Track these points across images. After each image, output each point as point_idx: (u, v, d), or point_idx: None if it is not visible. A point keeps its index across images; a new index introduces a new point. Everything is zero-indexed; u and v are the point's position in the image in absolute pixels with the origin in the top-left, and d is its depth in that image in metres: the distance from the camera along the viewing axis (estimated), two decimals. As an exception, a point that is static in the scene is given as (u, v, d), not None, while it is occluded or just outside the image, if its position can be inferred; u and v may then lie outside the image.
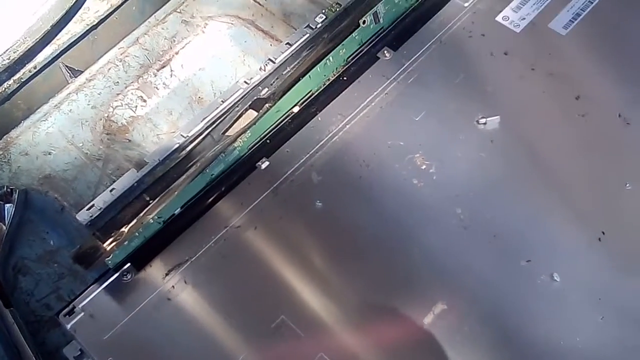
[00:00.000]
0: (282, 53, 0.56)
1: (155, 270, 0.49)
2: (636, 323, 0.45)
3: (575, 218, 0.48)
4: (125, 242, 0.49)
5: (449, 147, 0.52)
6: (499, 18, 0.57)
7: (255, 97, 0.55)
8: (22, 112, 0.60)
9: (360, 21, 0.56)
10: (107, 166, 0.56)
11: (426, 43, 0.57)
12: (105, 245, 0.50)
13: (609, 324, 0.45)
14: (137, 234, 0.49)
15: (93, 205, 0.51)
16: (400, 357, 0.46)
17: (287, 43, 0.56)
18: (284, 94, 0.55)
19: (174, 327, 0.47)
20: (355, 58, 0.58)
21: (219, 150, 0.53)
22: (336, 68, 0.57)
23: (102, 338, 0.47)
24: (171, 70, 0.60)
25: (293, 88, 0.55)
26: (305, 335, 0.46)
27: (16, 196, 0.54)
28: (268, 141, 0.55)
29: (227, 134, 0.54)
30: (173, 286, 0.48)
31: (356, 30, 0.56)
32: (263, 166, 0.53)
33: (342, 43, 0.56)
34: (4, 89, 0.58)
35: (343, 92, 0.56)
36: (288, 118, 0.56)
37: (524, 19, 0.56)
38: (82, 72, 0.61)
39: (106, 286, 0.48)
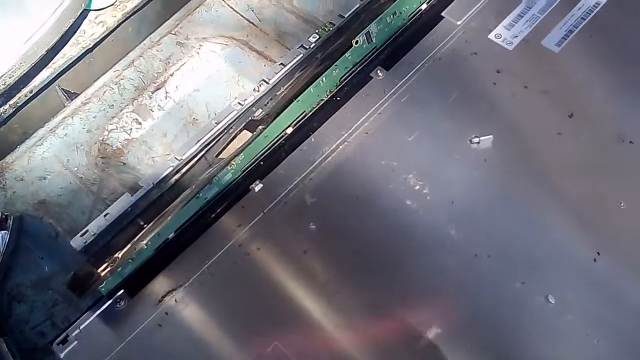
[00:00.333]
0: (276, 74, 0.56)
1: (148, 297, 0.49)
2: (632, 345, 0.44)
3: (570, 238, 0.48)
4: (119, 269, 0.49)
5: (443, 167, 0.52)
6: (491, 36, 0.57)
7: (249, 119, 0.55)
8: (19, 136, 0.60)
9: (353, 41, 0.56)
10: (101, 190, 0.56)
11: (419, 62, 0.57)
12: (99, 271, 0.50)
13: (604, 347, 0.44)
14: (130, 260, 0.49)
15: (87, 231, 0.51)
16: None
17: (281, 63, 0.56)
18: (277, 116, 0.55)
19: (167, 354, 0.47)
20: (349, 78, 0.58)
21: (213, 173, 0.53)
22: (329, 89, 0.57)
23: (96, 366, 0.47)
24: (166, 92, 0.60)
25: (286, 109, 0.55)
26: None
27: (11, 223, 0.54)
28: (261, 163, 0.55)
29: (221, 156, 0.55)
30: (166, 312, 0.48)
31: (349, 51, 0.56)
32: (257, 189, 0.53)
33: (335, 63, 0.56)
34: (0, 113, 0.59)
35: (336, 113, 0.56)
36: (282, 139, 0.56)
37: (517, 36, 0.56)
38: (78, 94, 0.61)
39: (99, 313, 0.48)
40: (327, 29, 0.58)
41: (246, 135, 0.55)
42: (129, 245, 0.51)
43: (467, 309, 0.47)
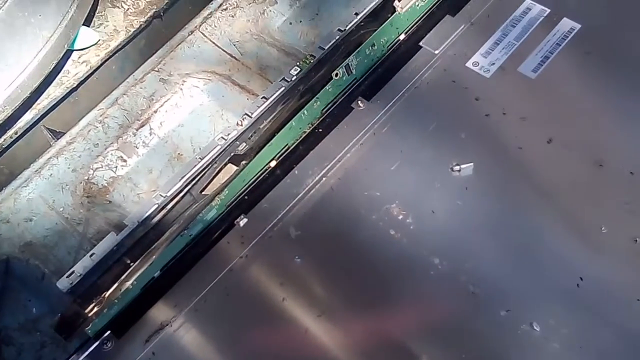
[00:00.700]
0: (259, 107, 0.56)
1: (135, 337, 0.49)
2: (617, 369, 0.45)
3: (553, 264, 0.48)
4: (105, 310, 0.49)
5: (425, 196, 0.53)
6: (469, 64, 0.57)
7: (232, 153, 0.55)
8: (5, 177, 0.60)
9: (333, 74, 0.56)
10: (87, 230, 0.56)
11: (399, 92, 0.57)
12: (86, 312, 0.50)
13: (589, 372, 0.45)
14: (116, 300, 0.50)
15: (73, 272, 0.51)
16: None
17: (263, 97, 0.57)
18: (260, 150, 0.55)
19: (155, 394, 0.47)
20: (330, 109, 0.58)
21: (198, 209, 0.53)
22: (311, 121, 0.58)
23: (84, 409, 0.47)
24: (150, 129, 0.61)
25: (269, 143, 0.55)
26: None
27: (-3, 266, 0.54)
28: (246, 197, 0.55)
29: (205, 191, 0.55)
30: (153, 352, 0.48)
31: (329, 83, 0.57)
32: (241, 223, 0.54)
33: (316, 96, 0.57)
34: (-14, 156, 0.59)
35: (319, 145, 0.57)
36: (265, 173, 0.56)
37: (494, 64, 0.57)
38: (64, 133, 0.62)
39: (87, 356, 0.49)
40: (307, 62, 0.58)
41: (230, 169, 0.56)
42: (115, 285, 0.51)
43: (453, 338, 0.47)
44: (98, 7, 0.66)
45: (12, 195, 0.59)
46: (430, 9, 0.61)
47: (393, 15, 0.58)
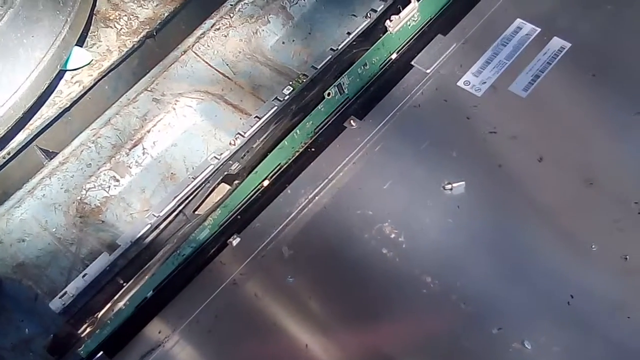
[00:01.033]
0: (251, 127, 0.56)
1: (128, 357, 0.49)
2: (609, 388, 0.45)
3: (544, 282, 0.48)
4: (97, 331, 0.49)
5: (417, 215, 0.53)
6: (460, 83, 0.58)
7: (225, 173, 0.55)
8: (-1, 197, 0.61)
9: (325, 93, 0.57)
10: (80, 250, 0.56)
11: (391, 111, 0.58)
12: (79, 332, 0.50)
13: (582, 390, 0.45)
14: (109, 321, 0.50)
15: (66, 293, 0.51)
16: None
17: (256, 116, 0.57)
18: (253, 169, 0.55)
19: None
20: (323, 128, 0.59)
21: (190, 229, 0.53)
22: (304, 140, 0.58)
23: None
24: (143, 149, 0.61)
25: (262, 162, 0.55)
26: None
27: (-10, 287, 0.54)
28: (239, 217, 0.56)
29: (198, 211, 0.55)
30: (146, 373, 0.49)
31: (322, 103, 0.57)
32: (234, 243, 0.54)
33: (309, 116, 0.57)
34: (-21, 177, 0.59)
35: (311, 164, 0.57)
36: (258, 192, 0.56)
37: (485, 82, 0.57)
38: (57, 153, 0.62)
39: (79, 376, 0.49)
40: (300, 81, 0.59)
41: (223, 189, 0.56)
42: (108, 306, 0.51)
43: (445, 356, 0.47)
44: (91, 28, 0.66)
45: (5, 216, 0.59)
46: (422, 28, 0.61)
47: (385, 35, 0.59)
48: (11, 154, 0.60)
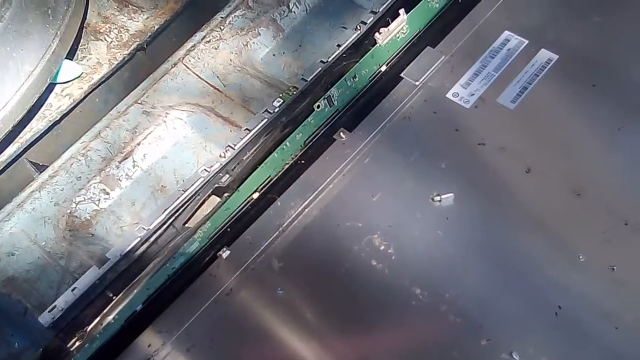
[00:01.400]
0: (242, 139, 0.57)
1: (116, 372, 0.49)
2: (598, 399, 0.45)
3: (532, 293, 0.48)
4: (86, 345, 0.49)
5: (407, 227, 0.53)
6: (449, 95, 0.58)
7: (215, 185, 0.55)
8: (-12, 211, 0.61)
9: (315, 106, 0.57)
10: (69, 264, 0.56)
11: (380, 123, 0.58)
12: (68, 346, 0.50)
13: (570, 402, 0.45)
14: (98, 335, 0.50)
15: (55, 307, 0.51)
16: None
17: (246, 129, 0.57)
18: (243, 181, 0.56)
19: None
20: (313, 140, 0.59)
21: (180, 242, 0.53)
22: (294, 152, 0.58)
23: None
24: (133, 161, 0.61)
25: (252, 175, 0.56)
26: None
27: (-22, 301, 0.54)
28: (228, 229, 0.56)
29: (188, 224, 0.55)
30: (135, 386, 0.48)
31: (311, 115, 0.57)
32: (224, 255, 0.54)
33: (298, 128, 0.57)
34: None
35: (301, 176, 0.57)
36: (248, 205, 0.56)
37: (473, 94, 0.57)
38: (47, 167, 0.62)
39: (68, 391, 0.49)
40: (290, 93, 0.59)
41: (213, 201, 0.56)
42: (97, 319, 0.51)
43: (435, 369, 0.47)
44: (81, 40, 0.66)
45: (-5, 230, 0.59)
46: (411, 40, 0.62)
47: (374, 48, 0.59)
48: (1, 168, 0.60)
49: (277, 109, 0.58)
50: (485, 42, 0.60)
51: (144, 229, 0.53)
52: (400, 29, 0.60)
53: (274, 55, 0.67)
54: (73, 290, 0.52)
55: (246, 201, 0.56)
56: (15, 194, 0.60)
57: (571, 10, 0.61)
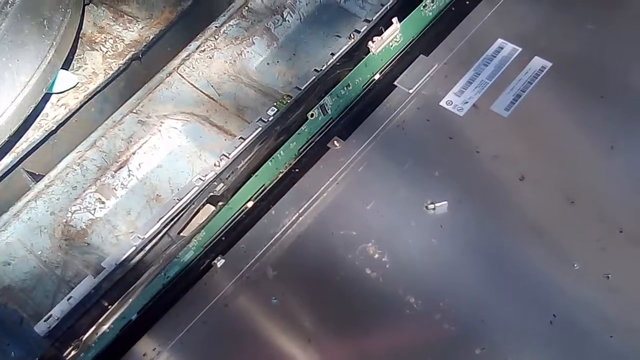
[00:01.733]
0: (236, 148, 0.57)
1: (111, 381, 0.49)
2: (591, 407, 0.45)
3: (526, 301, 0.49)
4: (82, 354, 0.49)
5: (401, 235, 0.53)
6: (442, 103, 0.58)
7: (210, 194, 0.56)
8: (-16, 221, 0.61)
9: (308, 114, 0.57)
10: (65, 273, 0.56)
11: (374, 131, 0.58)
12: (64, 355, 0.50)
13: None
14: (93, 344, 0.50)
15: (51, 316, 0.51)
16: None
17: (241, 137, 0.57)
18: (237, 190, 0.56)
19: None
20: (307, 149, 0.59)
21: (175, 251, 0.53)
22: (288, 161, 0.58)
23: None
24: (129, 171, 0.61)
25: (246, 184, 0.56)
26: None
27: (-25, 311, 0.54)
28: (223, 238, 0.56)
29: (182, 233, 0.55)
30: (129, 396, 0.49)
31: (305, 123, 0.57)
32: (219, 264, 0.54)
33: (292, 137, 0.57)
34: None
35: (295, 185, 0.57)
36: (242, 213, 0.57)
37: (467, 102, 0.58)
38: (43, 176, 0.62)
39: (62, 401, 0.49)
40: (284, 102, 0.59)
41: (208, 210, 0.56)
42: (92, 329, 0.51)
43: (429, 377, 0.47)
44: (77, 51, 0.67)
45: (-9, 240, 0.59)
46: (404, 49, 0.62)
47: (367, 56, 0.59)
48: (-3, 177, 0.60)
49: (271, 117, 0.58)
50: (478, 50, 0.61)
51: (139, 237, 0.53)
52: (393, 37, 0.60)
53: (268, 64, 0.67)
54: (69, 299, 0.52)
55: (240, 210, 0.57)
56: (11, 204, 0.61)
57: (564, 17, 0.61)
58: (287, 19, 0.68)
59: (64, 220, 0.59)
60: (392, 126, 0.58)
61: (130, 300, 0.51)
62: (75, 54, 0.67)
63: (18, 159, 0.61)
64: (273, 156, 0.57)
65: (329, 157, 0.58)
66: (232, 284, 0.53)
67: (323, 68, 0.59)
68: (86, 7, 0.70)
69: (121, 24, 0.69)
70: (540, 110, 0.56)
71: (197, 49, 0.67)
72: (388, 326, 0.50)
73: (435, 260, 0.52)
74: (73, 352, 0.50)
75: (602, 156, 0.54)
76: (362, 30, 0.61)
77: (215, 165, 0.56)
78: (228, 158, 0.57)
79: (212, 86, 0.65)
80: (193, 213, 0.56)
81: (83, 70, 0.66)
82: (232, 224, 0.56)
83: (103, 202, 0.60)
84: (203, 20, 0.69)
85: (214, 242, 0.55)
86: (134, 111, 0.64)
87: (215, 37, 0.67)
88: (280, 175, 0.58)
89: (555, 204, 0.52)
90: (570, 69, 0.58)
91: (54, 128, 0.63)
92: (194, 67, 0.66)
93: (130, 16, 0.69)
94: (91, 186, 0.61)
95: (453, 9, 0.64)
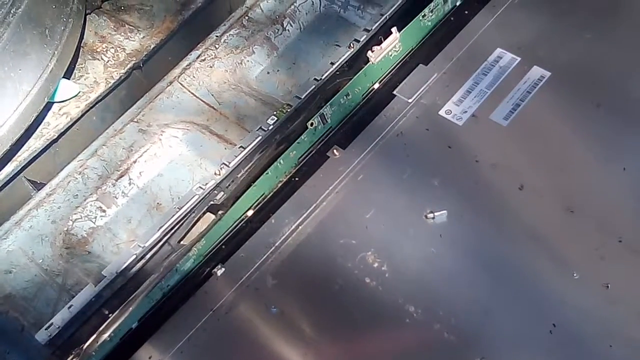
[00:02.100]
0: (236, 157, 0.57)
1: (112, 390, 0.50)
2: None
3: (526, 311, 0.49)
4: (82, 363, 0.49)
5: (400, 244, 0.53)
6: (441, 112, 0.58)
7: (210, 203, 0.56)
8: (-14, 230, 0.61)
9: (308, 123, 0.57)
10: (66, 281, 0.57)
11: (373, 140, 0.58)
12: (64, 364, 0.51)
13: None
14: (94, 352, 0.50)
15: (52, 324, 0.52)
16: None
17: (241, 146, 0.58)
18: (237, 199, 0.56)
19: None
20: (306, 158, 0.59)
21: (175, 260, 0.54)
22: (287, 170, 0.58)
23: None
24: (129, 179, 0.62)
25: (246, 193, 0.56)
26: None
27: (-25, 319, 0.55)
28: (223, 247, 0.56)
29: (183, 241, 0.55)
30: (130, 405, 0.49)
31: (305, 133, 0.58)
32: (219, 273, 0.54)
33: (292, 146, 0.57)
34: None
35: (295, 194, 0.57)
36: (242, 222, 0.57)
37: (466, 111, 0.58)
38: (44, 185, 0.63)
39: (62, 410, 0.49)
40: (284, 111, 0.59)
41: (208, 218, 0.56)
42: (93, 337, 0.51)
43: (428, 386, 0.48)
44: (78, 60, 0.67)
45: (-8, 248, 0.59)
46: (403, 58, 0.62)
47: (367, 65, 0.59)
48: (-1, 186, 0.61)
49: (271, 126, 0.58)
50: (477, 60, 0.61)
51: (140, 246, 0.54)
52: (392, 46, 0.61)
53: (268, 73, 0.67)
54: (69, 307, 0.52)
55: (240, 219, 0.57)
56: (13, 212, 0.61)
57: (563, 27, 0.61)
58: (287, 28, 0.69)
59: (65, 229, 0.60)
60: (391, 135, 0.59)
61: (131, 308, 0.52)
62: (77, 63, 0.67)
63: (20, 168, 0.62)
64: (273, 165, 0.57)
65: (329, 166, 0.58)
66: (232, 293, 0.53)
67: (323, 77, 0.60)
68: (88, 16, 0.71)
69: (122, 34, 0.69)
70: (539, 120, 0.57)
71: (197, 58, 0.67)
72: (387, 335, 0.50)
73: (434, 269, 0.52)
74: (74, 361, 0.51)
75: (601, 165, 0.54)
76: (361, 40, 0.61)
77: (215, 174, 0.56)
78: (228, 167, 0.57)
79: (212, 95, 0.66)
80: (193, 222, 0.56)
81: (84, 79, 0.66)
82: (232, 232, 0.56)
83: (104, 211, 0.61)
84: (203, 30, 0.70)
85: (214, 250, 0.55)
86: (135, 120, 0.65)
87: (215, 47, 0.68)
88: (280, 184, 0.58)
89: (555, 213, 0.52)
90: (569, 78, 0.58)
91: (55, 137, 0.63)
92: (194, 76, 0.66)
93: (131, 26, 0.70)
94: (92, 195, 0.61)
95: (452, 18, 0.64)
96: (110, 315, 0.52)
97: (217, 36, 0.68)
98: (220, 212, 0.55)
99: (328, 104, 0.58)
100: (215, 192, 0.56)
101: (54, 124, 0.63)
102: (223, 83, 0.66)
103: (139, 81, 0.68)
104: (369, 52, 0.59)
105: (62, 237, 0.59)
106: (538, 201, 0.53)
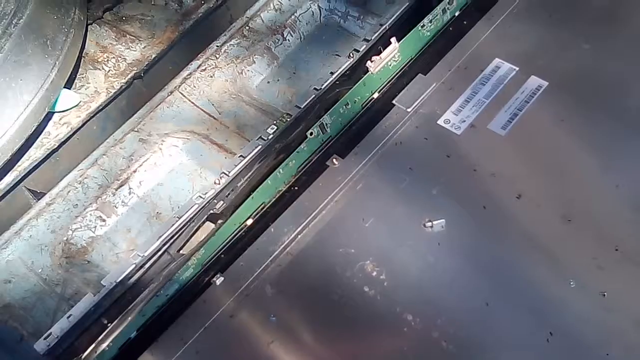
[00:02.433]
0: (236, 166, 0.57)
1: (110, 399, 0.50)
2: None
3: (523, 319, 0.49)
4: (81, 373, 0.50)
5: (399, 252, 0.53)
6: (440, 121, 0.59)
7: (210, 212, 0.56)
8: (-14, 239, 0.61)
9: (308, 133, 0.58)
10: (65, 291, 0.57)
11: (372, 149, 0.59)
12: (63, 373, 0.51)
13: None
14: (92, 362, 0.50)
15: (50, 334, 0.51)
16: None
17: (241, 155, 0.58)
18: (237, 208, 0.56)
19: None
20: (306, 167, 0.59)
21: (174, 269, 0.54)
22: (287, 179, 0.59)
23: None
24: (129, 189, 0.62)
25: (245, 202, 0.56)
26: None
27: (-25, 329, 0.55)
28: (222, 256, 0.56)
29: (182, 251, 0.56)
30: (128, 414, 0.49)
31: (304, 142, 0.58)
32: (218, 282, 0.54)
33: (292, 155, 0.58)
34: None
35: (294, 203, 0.57)
36: (242, 231, 0.57)
37: (464, 121, 0.58)
38: (45, 194, 0.63)
39: (62, 418, 0.49)
40: (284, 120, 0.60)
41: (208, 227, 0.56)
42: (92, 346, 0.51)
43: (426, 395, 0.48)
44: (79, 70, 0.68)
45: (-8, 257, 0.60)
46: (403, 68, 0.63)
47: (366, 75, 0.60)
48: (-1, 195, 0.61)
49: (271, 136, 0.58)
50: (475, 70, 0.61)
51: (139, 255, 0.54)
52: (392, 56, 0.61)
53: (268, 82, 0.68)
54: (68, 317, 0.52)
55: (240, 228, 0.57)
56: (13, 222, 0.61)
57: (560, 37, 0.62)
58: (287, 38, 0.69)
59: (65, 238, 0.60)
60: (390, 144, 0.59)
61: (130, 318, 0.52)
62: (78, 73, 0.67)
63: (20, 177, 0.62)
64: (272, 174, 0.57)
65: (328, 175, 0.58)
66: (231, 302, 0.53)
67: (322, 87, 0.60)
68: (89, 26, 0.71)
69: (123, 44, 0.70)
70: (536, 129, 0.57)
71: (198, 68, 0.68)
72: (386, 344, 0.50)
73: (432, 278, 0.52)
74: (72, 370, 0.51)
75: (598, 174, 0.54)
76: (361, 50, 0.62)
77: (215, 183, 0.57)
78: (228, 176, 0.57)
79: (212, 105, 0.66)
80: (193, 231, 0.56)
81: (85, 89, 0.66)
82: (231, 241, 0.56)
83: (104, 220, 0.61)
84: (204, 40, 0.70)
85: (213, 259, 0.56)
86: (136, 129, 0.65)
87: (216, 56, 0.68)
88: (280, 193, 0.58)
89: (552, 222, 0.52)
90: (567, 88, 0.59)
91: (55, 146, 0.64)
92: (195, 86, 0.67)
93: (132, 36, 0.70)
94: (92, 204, 0.61)
95: (451, 28, 0.65)
96: (109, 324, 0.52)
97: (217, 46, 0.69)
98: (219, 221, 0.56)
99: (327, 113, 0.58)
100: (215, 201, 0.56)
101: (54, 133, 0.64)
102: (223, 93, 0.67)
103: (140, 91, 0.68)
104: (369, 62, 0.60)
105: (62, 246, 0.60)
106: (536, 210, 0.53)
